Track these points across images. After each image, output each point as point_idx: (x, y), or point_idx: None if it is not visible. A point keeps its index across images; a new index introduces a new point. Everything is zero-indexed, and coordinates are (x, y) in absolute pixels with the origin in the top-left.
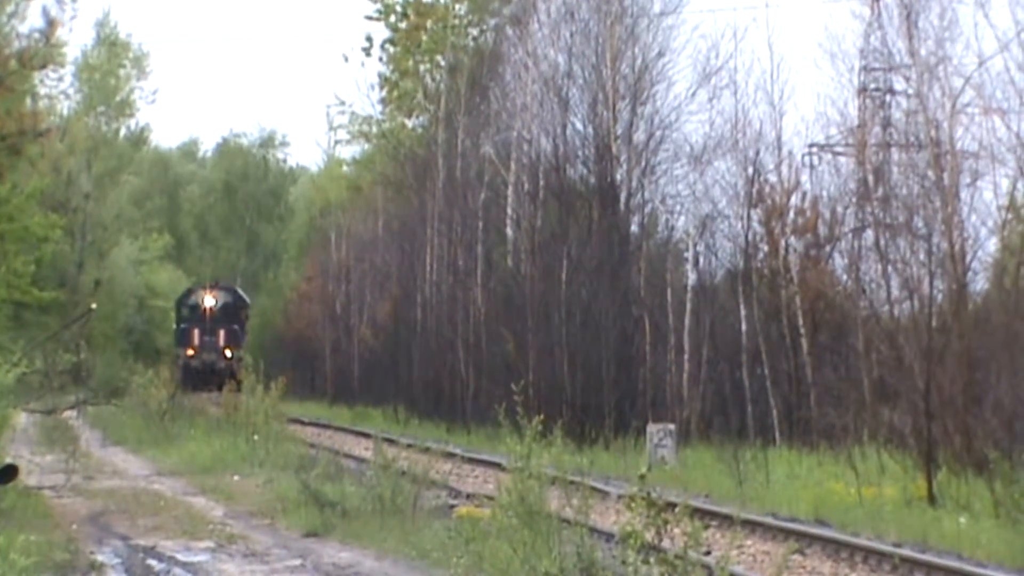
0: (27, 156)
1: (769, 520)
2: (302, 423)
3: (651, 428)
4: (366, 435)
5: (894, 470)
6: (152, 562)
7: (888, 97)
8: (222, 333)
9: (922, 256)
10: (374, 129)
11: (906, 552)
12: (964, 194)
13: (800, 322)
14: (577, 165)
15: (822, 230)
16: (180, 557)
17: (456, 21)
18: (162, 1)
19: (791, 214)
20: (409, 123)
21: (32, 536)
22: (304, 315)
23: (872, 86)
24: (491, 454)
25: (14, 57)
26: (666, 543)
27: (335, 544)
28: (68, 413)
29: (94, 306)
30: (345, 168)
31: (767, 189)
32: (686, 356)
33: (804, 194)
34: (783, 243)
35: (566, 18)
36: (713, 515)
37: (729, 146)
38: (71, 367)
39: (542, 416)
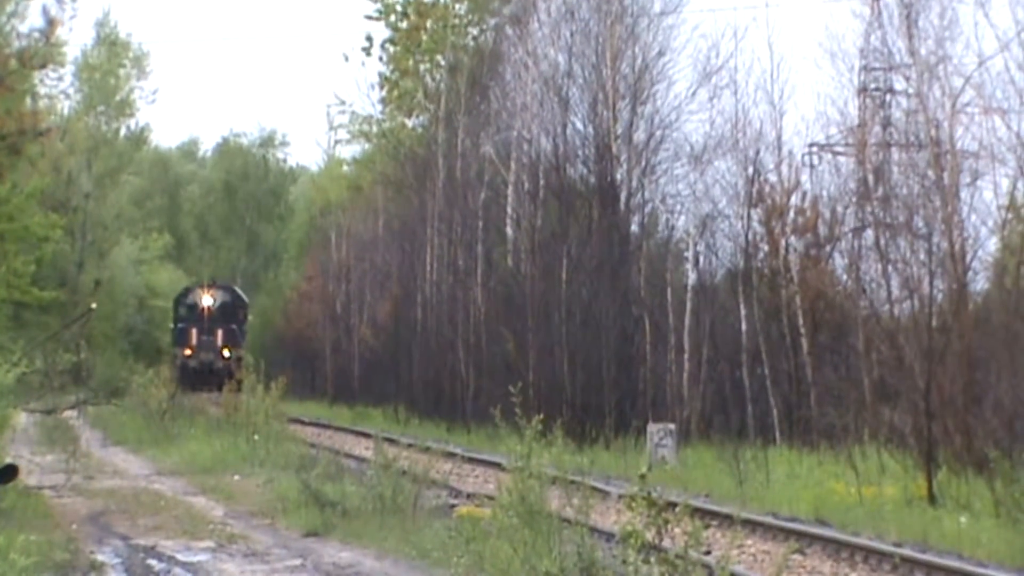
0: (27, 156)
1: (769, 520)
2: (302, 423)
3: (651, 428)
4: (366, 435)
5: (894, 470)
6: (152, 562)
7: (888, 97)
8: (220, 333)
9: (922, 256)
10: (374, 129)
11: (906, 552)
12: (964, 194)
13: (800, 322)
14: (577, 165)
15: (822, 230)
16: (180, 557)
17: (456, 21)
18: (162, 1)
19: (791, 214)
20: (409, 123)
21: (32, 536)
22: (304, 315)
23: (872, 86)
24: (491, 454)
25: (14, 56)
26: (666, 543)
27: (335, 544)
28: (68, 413)
29: (94, 306)
30: (345, 168)
31: (767, 189)
32: (686, 356)
33: (804, 194)
34: (783, 243)
35: (566, 17)
36: (713, 515)
37: (729, 146)
38: (71, 367)
39: (542, 416)
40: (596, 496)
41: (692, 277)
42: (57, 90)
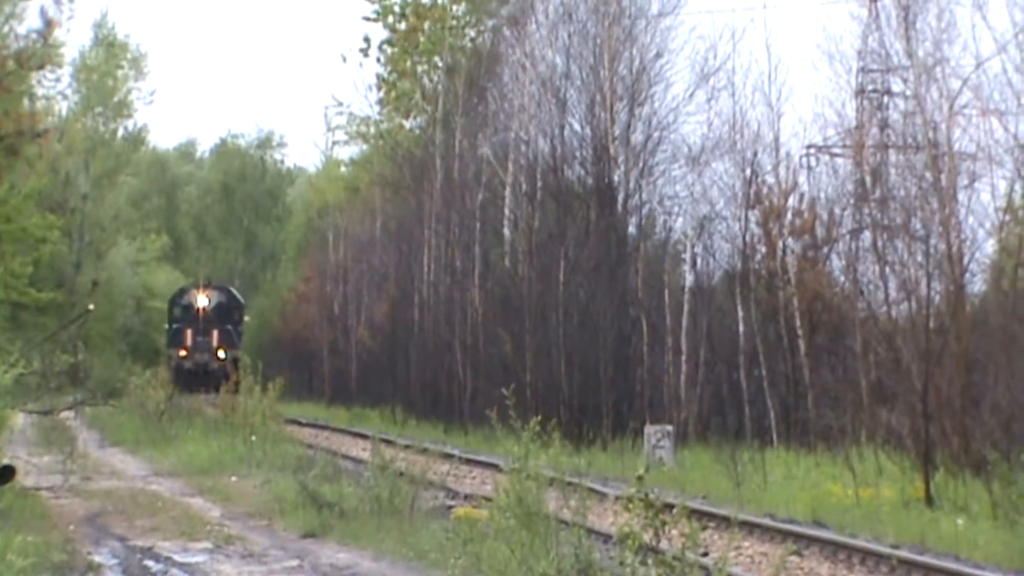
0: (25, 157)
1: (767, 521)
2: (300, 424)
3: (649, 429)
4: (364, 436)
5: (892, 471)
6: (149, 563)
7: (886, 98)
8: (215, 334)
9: (920, 257)
10: (372, 130)
11: (904, 553)
12: (962, 196)
13: (798, 323)
14: (575, 166)
15: (820, 231)
16: (177, 558)
17: (454, 22)
18: (160, 2)
19: (789, 215)
20: (407, 124)
21: (29, 537)
22: (302, 316)
23: (870, 87)
24: (489, 455)
25: (12, 58)
26: (664, 544)
27: (333, 545)
28: (66, 414)
29: (92, 307)
30: (343, 169)
31: (765, 190)
32: (684, 357)
33: (802, 195)
34: (781, 244)
35: (564, 19)
36: (711, 516)
37: (727, 147)
38: (69, 368)
39: (539, 417)
40: (593, 497)
41: (689, 279)
42: (55, 91)
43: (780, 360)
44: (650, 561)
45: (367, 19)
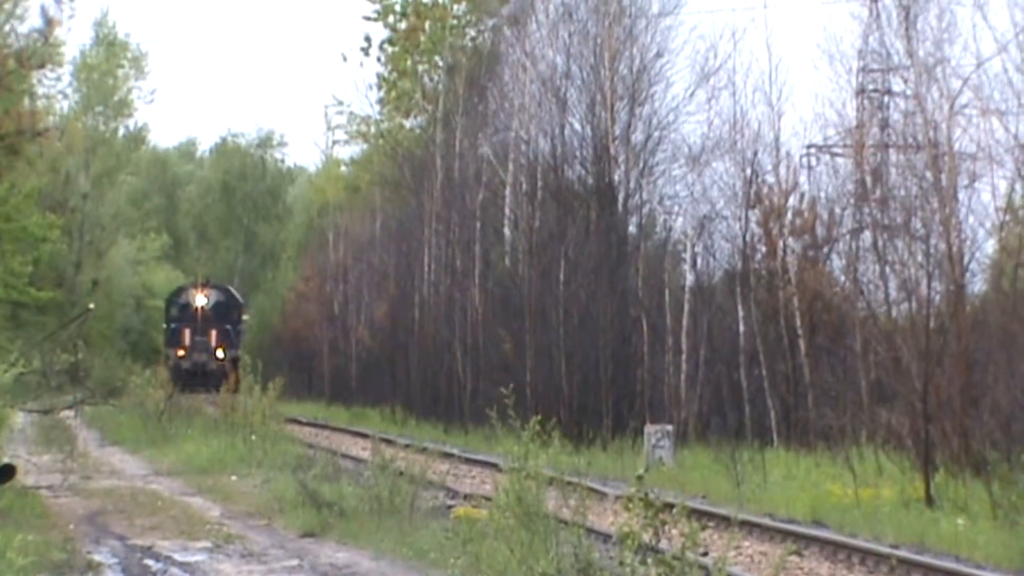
0: (25, 156)
1: (767, 521)
2: (299, 423)
3: (649, 429)
4: (363, 435)
5: (892, 471)
6: (149, 562)
7: (886, 98)
8: (214, 333)
9: (920, 257)
10: (372, 129)
11: (903, 553)
12: (962, 195)
13: (798, 323)
14: (575, 165)
15: (820, 231)
16: (177, 557)
17: (454, 21)
18: (160, 1)
19: (789, 215)
20: (407, 123)
21: (29, 536)
22: (302, 315)
23: (870, 87)
24: (488, 454)
25: (12, 57)
26: (664, 544)
27: (332, 544)
28: (65, 413)
29: (92, 306)
30: (343, 168)
31: (765, 190)
32: (684, 357)
33: (802, 195)
34: (781, 244)
35: (564, 18)
36: (711, 516)
37: (727, 147)
38: (69, 367)
39: (539, 416)
40: (593, 497)
41: (690, 278)
42: (55, 90)
43: (780, 360)
44: (650, 561)
45: (368, 18)
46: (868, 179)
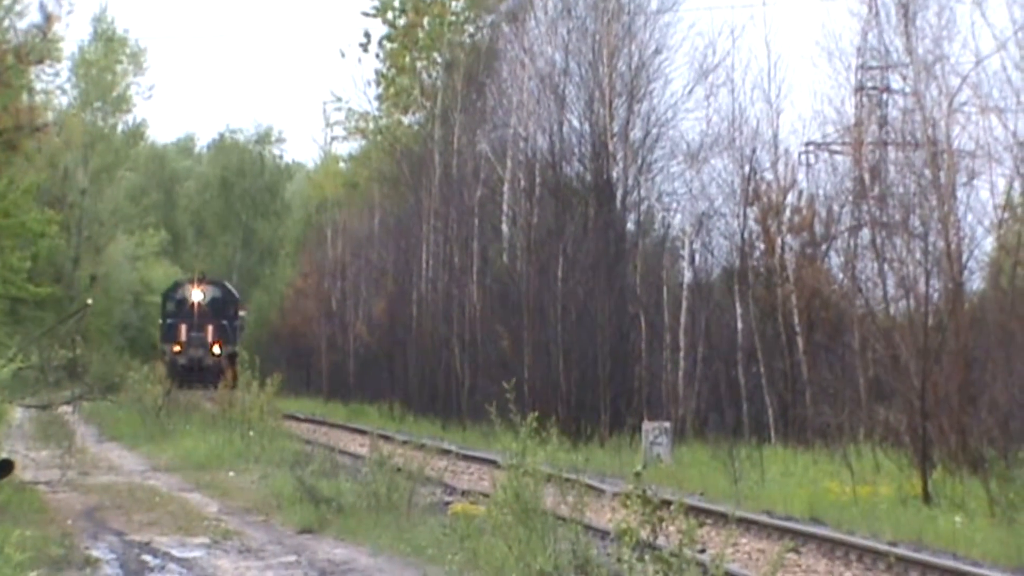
0: (23, 151)
1: (764, 518)
2: (297, 419)
3: (646, 426)
4: (361, 431)
5: (889, 469)
6: (147, 558)
7: (885, 95)
8: (210, 329)
9: (918, 255)
10: (370, 125)
11: (901, 551)
12: (960, 193)
13: (796, 320)
14: (573, 162)
15: (818, 228)
16: (175, 553)
17: (453, 18)
18: None
19: (787, 212)
20: (405, 120)
21: (27, 531)
22: (300, 311)
23: (869, 84)
24: (486, 451)
25: (11, 52)
26: (661, 541)
27: (330, 540)
28: (63, 408)
29: (90, 302)
30: (341, 164)
31: (763, 187)
32: (681, 354)
33: (800, 192)
34: (779, 241)
35: (563, 15)
36: (708, 513)
37: (725, 144)
38: (67, 362)
39: (537, 413)
40: (591, 494)
41: (688, 275)
42: (54, 86)
43: (778, 357)
44: (647, 557)
45: (366, 14)
46: (867, 176)
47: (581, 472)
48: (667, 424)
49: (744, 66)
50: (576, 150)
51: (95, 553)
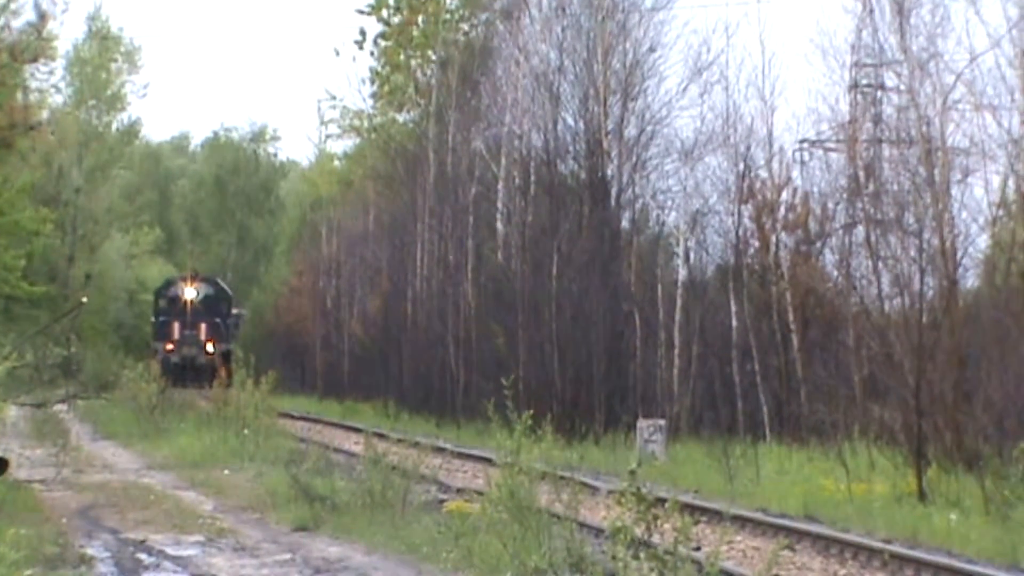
0: (18, 150)
1: (759, 516)
2: (292, 417)
3: (641, 423)
4: (356, 429)
5: (884, 466)
6: (142, 556)
7: (879, 93)
8: (204, 327)
9: (913, 252)
10: (365, 124)
11: (896, 548)
12: (955, 190)
13: (790, 318)
14: (568, 160)
15: (813, 226)
16: (170, 551)
17: (448, 16)
18: None
19: (782, 210)
20: (400, 118)
21: (22, 529)
22: (294, 309)
23: (863, 82)
24: (481, 449)
25: (5, 51)
26: (656, 538)
27: (325, 538)
28: (58, 407)
29: (84, 300)
30: (336, 162)
31: (758, 185)
32: (676, 352)
33: (795, 190)
34: (774, 239)
35: (557, 13)
36: (703, 511)
37: (720, 142)
38: (61, 361)
39: (532, 411)
40: (585, 492)
41: (682, 273)
42: (48, 84)
43: (773, 355)
44: (642, 555)
45: (361, 12)
46: (861, 174)
47: (576, 470)
48: (662, 422)
49: (738, 63)
50: (571, 148)
51: (90, 551)
